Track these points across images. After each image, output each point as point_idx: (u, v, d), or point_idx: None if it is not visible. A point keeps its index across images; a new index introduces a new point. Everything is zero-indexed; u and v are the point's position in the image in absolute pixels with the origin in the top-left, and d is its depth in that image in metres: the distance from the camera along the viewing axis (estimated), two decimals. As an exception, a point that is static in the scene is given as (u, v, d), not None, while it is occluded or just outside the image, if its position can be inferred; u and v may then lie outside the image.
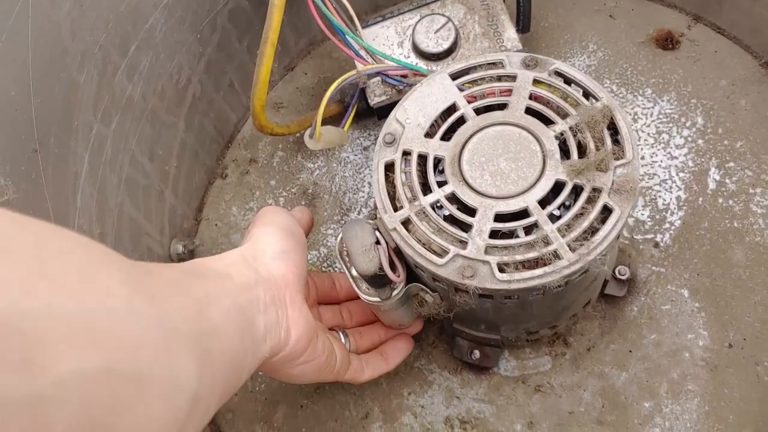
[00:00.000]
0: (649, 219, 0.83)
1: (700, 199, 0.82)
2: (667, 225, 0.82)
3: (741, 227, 0.80)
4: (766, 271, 0.78)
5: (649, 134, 0.86)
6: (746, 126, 0.84)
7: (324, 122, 0.88)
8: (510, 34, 0.82)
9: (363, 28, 0.83)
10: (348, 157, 0.92)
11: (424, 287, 0.69)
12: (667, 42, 0.89)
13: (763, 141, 0.83)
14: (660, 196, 0.83)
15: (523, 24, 0.85)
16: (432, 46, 0.81)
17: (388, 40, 0.84)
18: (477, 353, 0.79)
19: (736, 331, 0.77)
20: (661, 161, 0.85)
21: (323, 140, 0.78)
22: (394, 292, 0.67)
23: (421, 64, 0.83)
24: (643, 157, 0.85)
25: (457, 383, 0.80)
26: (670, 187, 0.83)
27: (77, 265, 0.33)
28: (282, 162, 0.93)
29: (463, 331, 0.78)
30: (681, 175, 0.84)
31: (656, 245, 0.82)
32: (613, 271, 0.78)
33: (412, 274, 0.68)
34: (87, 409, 0.30)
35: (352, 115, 0.84)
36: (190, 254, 0.88)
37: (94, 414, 0.30)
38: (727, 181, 0.83)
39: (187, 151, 0.87)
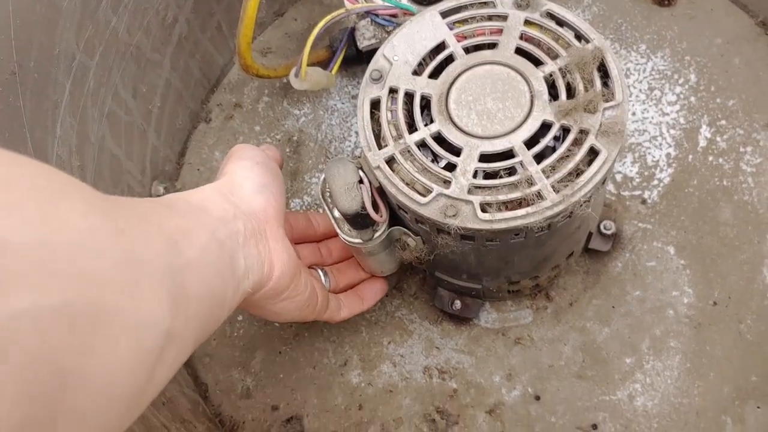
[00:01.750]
0: (637, 175, 0.82)
1: (690, 156, 0.81)
2: (656, 182, 0.81)
3: (730, 186, 0.79)
4: (753, 230, 0.77)
5: (641, 90, 0.85)
6: (739, 84, 0.83)
7: (312, 66, 0.86)
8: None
9: (355, -30, 0.81)
10: (335, 104, 0.91)
11: (406, 231, 0.68)
12: (664, -2, 0.88)
13: (756, 100, 0.82)
14: (649, 153, 0.82)
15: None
16: (425, -12, 0.80)
17: (379, -17, 0.82)
18: (458, 303, 0.78)
19: (721, 290, 0.76)
20: (653, 117, 0.84)
21: (309, 80, 0.76)
22: (376, 234, 0.66)
23: (413, 6, 0.81)
24: (634, 113, 0.84)
25: (438, 334, 0.79)
26: (660, 144, 0.82)
27: (36, 195, 0.31)
28: (267, 108, 0.91)
29: (444, 280, 0.78)
30: (672, 132, 0.83)
31: (643, 202, 0.81)
32: (598, 226, 0.77)
33: (395, 217, 0.67)
34: (43, 348, 0.27)
35: (341, 58, 0.83)
36: (171, 197, 0.87)
37: (52, 353, 0.28)
38: (718, 139, 0.81)
39: (171, 92, 0.85)
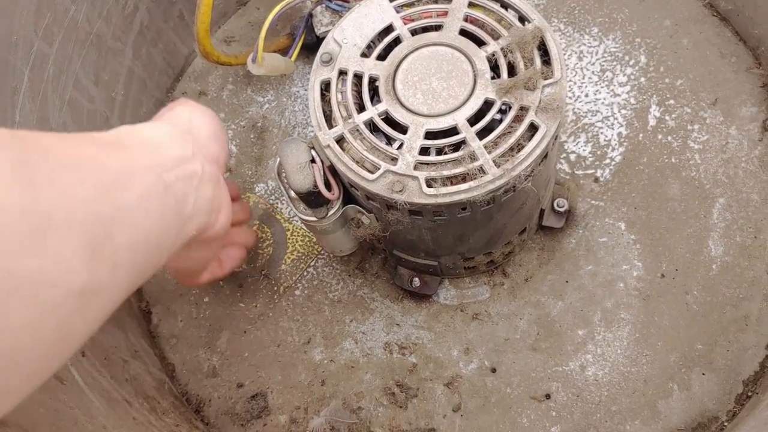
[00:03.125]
0: (590, 155, 0.84)
1: (641, 135, 0.84)
2: (608, 160, 0.83)
3: (678, 162, 0.82)
4: (700, 205, 0.80)
5: (593, 72, 0.88)
6: (687, 64, 0.86)
7: (276, 53, 0.88)
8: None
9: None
10: (298, 91, 0.93)
11: (360, 209, 0.70)
12: (615, -19, 0.90)
13: (703, 79, 0.85)
14: (602, 133, 0.85)
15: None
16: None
17: (336, -30, 0.84)
18: (417, 281, 0.80)
19: (669, 262, 0.78)
20: (605, 98, 0.86)
21: (266, 65, 0.78)
22: (330, 212, 0.68)
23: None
24: (587, 95, 0.87)
25: (398, 311, 0.82)
26: (612, 124, 0.85)
27: None
28: (231, 95, 0.93)
29: (403, 258, 0.80)
30: (623, 112, 0.85)
31: (596, 180, 0.83)
32: (552, 203, 0.80)
33: (349, 196, 0.69)
34: None
35: (299, 45, 0.85)
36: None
37: None
38: (667, 117, 0.84)
39: (134, 80, 0.87)
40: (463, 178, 0.61)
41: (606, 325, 0.77)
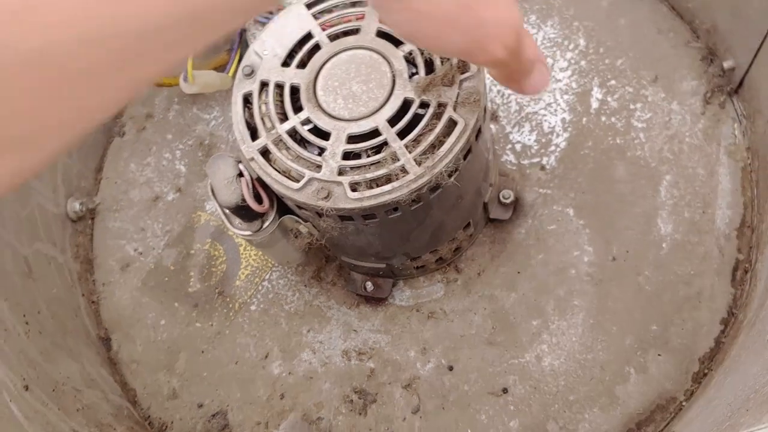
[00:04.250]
0: (535, 143, 0.84)
1: (584, 119, 0.83)
2: (553, 147, 0.83)
3: (623, 143, 0.81)
4: (646, 184, 0.79)
5: (533, 60, 0.87)
6: (626, 44, 0.85)
7: (215, 69, 0.89)
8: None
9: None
10: (243, 105, 0.93)
11: (297, 218, 0.70)
12: (548, -32, 0.89)
13: (642, 57, 0.84)
14: (546, 120, 0.84)
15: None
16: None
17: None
18: (370, 285, 0.80)
19: (619, 245, 0.78)
20: (546, 86, 0.85)
21: (198, 83, 0.78)
22: (265, 225, 0.68)
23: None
24: (528, 84, 0.86)
25: (355, 317, 0.81)
26: (555, 110, 0.84)
27: None
28: (178, 115, 0.93)
29: (354, 264, 0.80)
30: (565, 97, 0.85)
31: (542, 168, 0.82)
32: (498, 196, 0.79)
33: (286, 207, 0.69)
34: None
35: (236, 59, 0.85)
36: (89, 212, 0.89)
37: None
38: (609, 99, 0.83)
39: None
40: (387, 179, 0.60)
41: (560, 314, 0.77)
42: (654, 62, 0.84)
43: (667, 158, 0.80)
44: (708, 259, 0.75)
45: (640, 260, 0.77)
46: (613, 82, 0.84)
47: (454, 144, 0.60)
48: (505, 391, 0.75)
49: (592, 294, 0.77)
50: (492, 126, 0.85)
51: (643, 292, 0.75)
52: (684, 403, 0.71)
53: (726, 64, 0.79)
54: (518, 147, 0.84)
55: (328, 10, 0.68)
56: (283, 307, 0.83)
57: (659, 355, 0.73)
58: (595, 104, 0.84)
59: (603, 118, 0.83)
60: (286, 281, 0.84)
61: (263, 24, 0.81)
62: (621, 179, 0.80)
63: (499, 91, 0.86)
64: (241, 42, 0.85)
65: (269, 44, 0.67)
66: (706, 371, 0.72)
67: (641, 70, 0.84)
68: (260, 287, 0.84)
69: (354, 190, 0.60)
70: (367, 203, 0.60)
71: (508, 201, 0.79)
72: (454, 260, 0.81)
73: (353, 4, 0.68)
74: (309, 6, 0.68)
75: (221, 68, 0.88)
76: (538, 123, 0.84)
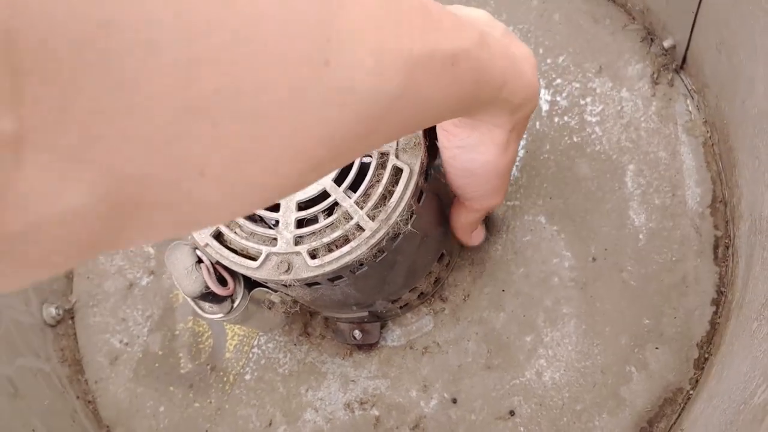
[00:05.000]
0: (494, 156, 0.82)
1: (537, 123, 0.82)
2: (512, 157, 0.82)
3: (580, 140, 0.80)
4: (612, 177, 0.78)
5: (476, 73, 0.86)
6: (564, 40, 0.84)
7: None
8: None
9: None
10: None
11: (267, 290, 0.69)
12: (472, -23, 0.88)
13: (583, 50, 0.83)
14: (500, 131, 0.83)
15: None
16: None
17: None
18: (358, 333, 0.79)
19: (597, 244, 0.77)
20: (494, 96, 0.84)
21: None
22: (236, 304, 0.67)
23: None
24: (475, 98, 0.85)
25: (350, 367, 0.80)
26: (507, 120, 0.83)
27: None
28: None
29: (337, 317, 0.79)
30: (515, 104, 0.83)
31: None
32: (467, 218, 0.78)
33: (254, 281, 0.68)
34: None
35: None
36: (67, 314, 0.88)
37: None
38: (558, 98, 0.82)
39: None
40: (345, 239, 0.59)
41: (551, 325, 0.76)
42: (595, 53, 0.83)
43: (627, 147, 0.79)
44: (686, 242, 0.74)
45: (620, 256, 0.76)
46: (558, 80, 0.83)
47: (403, 192, 0.59)
48: (512, 413, 0.74)
49: (578, 299, 0.76)
50: (448, 147, 0.84)
51: (629, 288, 0.74)
52: (691, 392, 0.70)
53: (666, 43, 0.77)
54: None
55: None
56: (277, 371, 0.82)
57: (657, 348, 0.72)
58: (545, 106, 0.82)
59: (556, 119, 0.82)
60: (275, 344, 0.83)
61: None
62: (585, 177, 0.79)
63: (448, 111, 0.85)
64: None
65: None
66: (706, 356, 0.71)
67: (584, 63, 0.82)
68: (251, 355, 0.83)
69: (313, 257, 0.59)
70: (329, 268, 0.59)
71: (477, 222, 0.78)
72: (437, 290, 0.80)
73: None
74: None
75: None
76: (493, 135, 0.83)
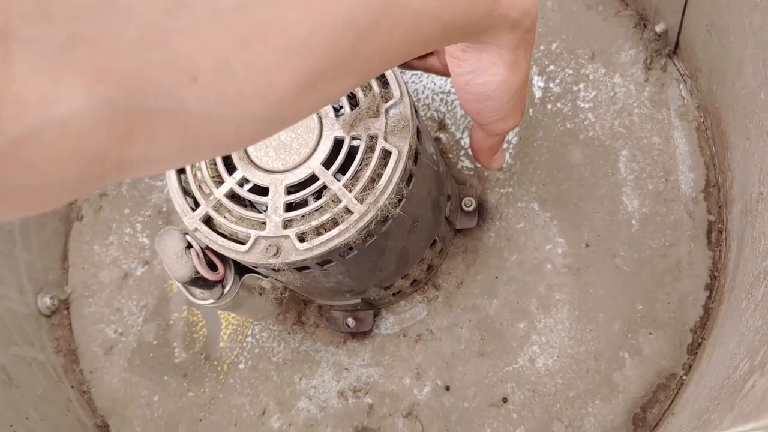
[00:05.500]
0: (487, 144, 0.82)
1: (530, 110, 0.82)
2: (505, 145, 0.82)
3: (573, 127, 0.80)
4: (605, 163, 0.78)
5: (469, 61, 0.86)
6: (556, 26, 0.84)
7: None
8: None
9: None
10: (193, 165, 0.92)
11: (258, 276, 0.69)
12: (465, -35, 0.88)
13: (575, 36, 0.83)
14: (493, 119, 0.83)
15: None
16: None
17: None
18: (351, 321, 0.79)
19: (590, 230, 0.76)
20: (487, 84, 0.84)
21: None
22: (226, 289, 0.66)
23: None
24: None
25: (344, 355, 0.80)
26: (500, 107, 0.83)
27: None
28: (131, 188, 0.92)
29: (330, 305, 0.79)
30: (508, 92, 0.83)
31: (499, 168, 0.81)
32: (460, 205, 0.78)
33: (245, 266, 0.68)
34: None
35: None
36: (62, 304, 0.88)
37: None
38: (551, 85, 0.82)
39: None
40: (333, 223, 0.59)
41: (544, 311, 0.75)
42: (588, 39, 0.82)
43: (620, 133, 0.78)
44: (680, 226, 0.74)
45: (613, 241, 0.75)
46: (551, 67, 0.83)
47: (392, 174, 0.59)
48: (505, 400, 0.73)
49: (572, 285, 0.75)
50: (441, 135, 0.84)
51: (622, 273, 0.74)
52: (684, 377, 0.70)
53: (658, 28, 0.77)
54: (471, 151, 0.82)
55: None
56: (271, 360, 0.82)
57: (650, 333, 0.72)
58: (538, 93, 0.82)
59: (549, 106, 0.81)
60: (269, 333, 0.83)
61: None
62: (578, 163, 0.79)
63: (442, 99, 0.85)
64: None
65: (193, 109, 0.66)
66: (700, 341, 0.70)
67: (577, 50, 0.82)
68: (245, 344, 0.83)
69: (302, 240, 0.59)
70: (317, 251, 0.59)
71: (470, 208, 0.78)
72: (431, 278, 0.80)
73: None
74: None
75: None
76: (487, 123, 0.83)
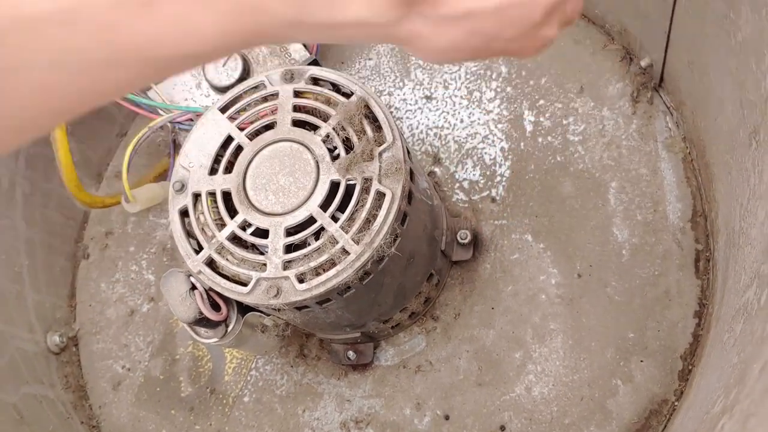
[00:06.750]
0: (481, 177, 0.85)
1: (522, 144, 0.85)
2: (498, 178, 0.84)
3: (564, 159, 0.82)
4: (595, 195, 0.80)
5: (462, 97, 0.88)
6: (545, 61, 0.86)
7: (158, 179, 0.90)
8: (295, 45, 0.84)
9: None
10: (196, 202, 0.94)
11: (260, 314, 0.71)
12: (456, 4, 0.91)
13: (564, 71, 0.85)
14: (486, 153, 0.85)
15: (312, 30, 0.86)
16: (224, 79, 0.83)
17: (185, 85, 0.85)
18: (351, 353, 0.81)
19: (582, 260, 0.79)
20: (479, 119, 0.87)
21: (141, 200, 0.80)
22: (230, 328, 0.69)
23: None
24: (461, 120, 0.87)
25: (346, 386, 0.82)
26: (493, 141, 0.86)
27: None
28: (136, 226, 0.95)
29: (331, 338, 0.81)
30: (500, 126, 0.86)
31: (493, 200, 0.84)
32: (455, 237, 0.80)
33: (247, 305, 0.70)
34: None
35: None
36: (70, 341, 0.90)
37: None
38: (542, 119, 0.85)
39: (37, 246, 0.88)
40: (331, 263, 0.62)
41: (539, 341, 0.77)
42: (577, 73, 0.85)
43: (609, 165, 0.81)
44: (668, 256, 0.76)
45: (604, 271, 0.77)
46: (541, 101, 0.85)
47: (386, 216, 0.61)
48: (502, 429, 0.75)
49: (565, 315, 0.77)
50: (436, 169, 0.87)
51: (614, 303, 0.76)
52: (676, 403, 0.72)
53: (643, 62, 0.80)
54: (465, 184, 0.85)
55: (243, 109, 0.70)
56: (274, 393, 0.84)
57: (641, 361, 0.74)
58: (529, 127, 0.85)
59: (540, 139, 0.84)
60: (272, 366, 0.85)
61: (189, 131, 0.83)
62: (570, 195, 0.81)
63: (436, 134, 0.88)
64: (175, 148, 0.86)
65: (193, 155, 0.69)
66: (690, 367, 0.72)
67: (566, 84, 0.85)
68: (249, 377, 0.85)
69: (301, 281, 0.62)
70: (316, 291, 0.61)
71: (466, 241, 0.80)
72: (429, 310, 0.82)
73: (265, 99, 0.69)
74: (223, 110, 0.70)
75: (164, 174, 0.90)
76: (480, 157, 0.86)
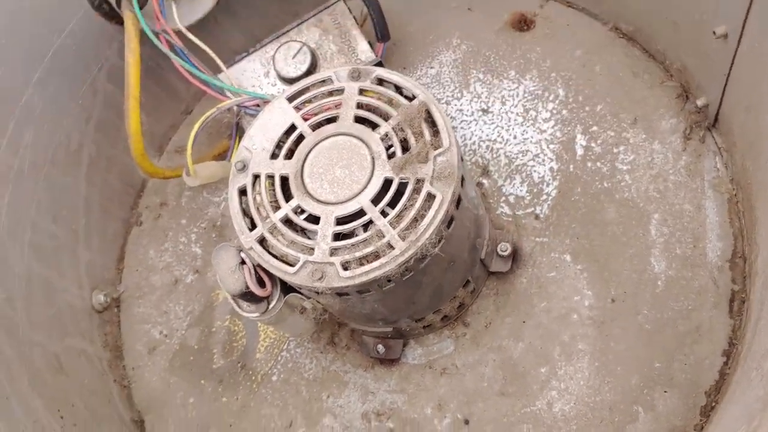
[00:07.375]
0: (527, 194, 0.87)
1: (571, 166, 0.86)
2: (545, 196, 0.86)
3: (610, 186, 0.84)
4: (637, 224, 0.82)
5: (517, 114, 0.91)
6: (603, 89, 0.88)
7: (217, 158, 0.94)
8: (363, 46, 0.87)
9: (232, 65, 0.89)
10: (249, 185, 0.98)
11: (301, 296, 0.74)
12: (522, 24, 0.94)
13: (620, 101, 0.87)
14: (535, 171, 0.87)
15: (380, 33, 0.90)
16: (292, 71, 0.87)
17: (254, 73, 0.89)
18: (381, 347, 0.84)
19: (617, 286, 0.80)
20: (532, 137, 0.89)
21: (201, 176, 0.83)
22: (271, 305, 0.72)
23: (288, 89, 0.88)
24: (515, 137, 0.90)
25: (371, 379, 0.85)
26: (543, 160, 0.88)
27: None
28: (190, 201, 0.99)
29: (363, 330, 0.83)
30: (551, 146, 0.88)
31: (536, 217, 0.86)
32: (496, 249, 0.83)
33: (290, 286, 0.73)
34: None
35: (236, 147, 0.90)
36: (114, 302, 0.94)
37: None
38: (593, 144, 0.86)
39: (94, 208, 0.93)
40: (375, 255, 0.64)
41: (566, 359, 0.79)
42: (632, 104, 0.87)
43: (654, 197, 0.82)
44: (704, 292, 0.77)
45: (638, 299, 0.79)
46: (595, 128, 0.87)
47: (434, 217, 0.63)
48: (519, 440, 0.77)
49: (595, 337, 0.79)
50: (484, 180, 0.89)
51: (644, 331, 0.77)
52: (694, 438, 0.73)
53: (699, 102, 0.81)
54: (511, 199, 0.87)
55: (308, 101, 0.73)
56: (302, 375, 0.87)
57: (665, 391, 0.75)
58: (580, 151, 0.87)
59: (589, 164, 0.86)
60: (303, 349, 0.88)
61: (254, 115, 0.87)
62: (612, 221, 0.83)
63: (488, 147, 0.90)
64: (237, 130, 0.90)
65: (257, 139, 0.72)
66: (713, 404, 0.73)
67: (621, 114, 0.87)
68: (279, 357, 0.88)
69: (345, 269, 0.64)
70: (358, 280, 0.64)
71: (506, 253, 0.82)
72: (461, 316, 0.84)
73: (330, 93, 0.72)
74: (290, 99, 0.73)
75: (223, 155, 0.93)
76: (528, 174, 0.88)
